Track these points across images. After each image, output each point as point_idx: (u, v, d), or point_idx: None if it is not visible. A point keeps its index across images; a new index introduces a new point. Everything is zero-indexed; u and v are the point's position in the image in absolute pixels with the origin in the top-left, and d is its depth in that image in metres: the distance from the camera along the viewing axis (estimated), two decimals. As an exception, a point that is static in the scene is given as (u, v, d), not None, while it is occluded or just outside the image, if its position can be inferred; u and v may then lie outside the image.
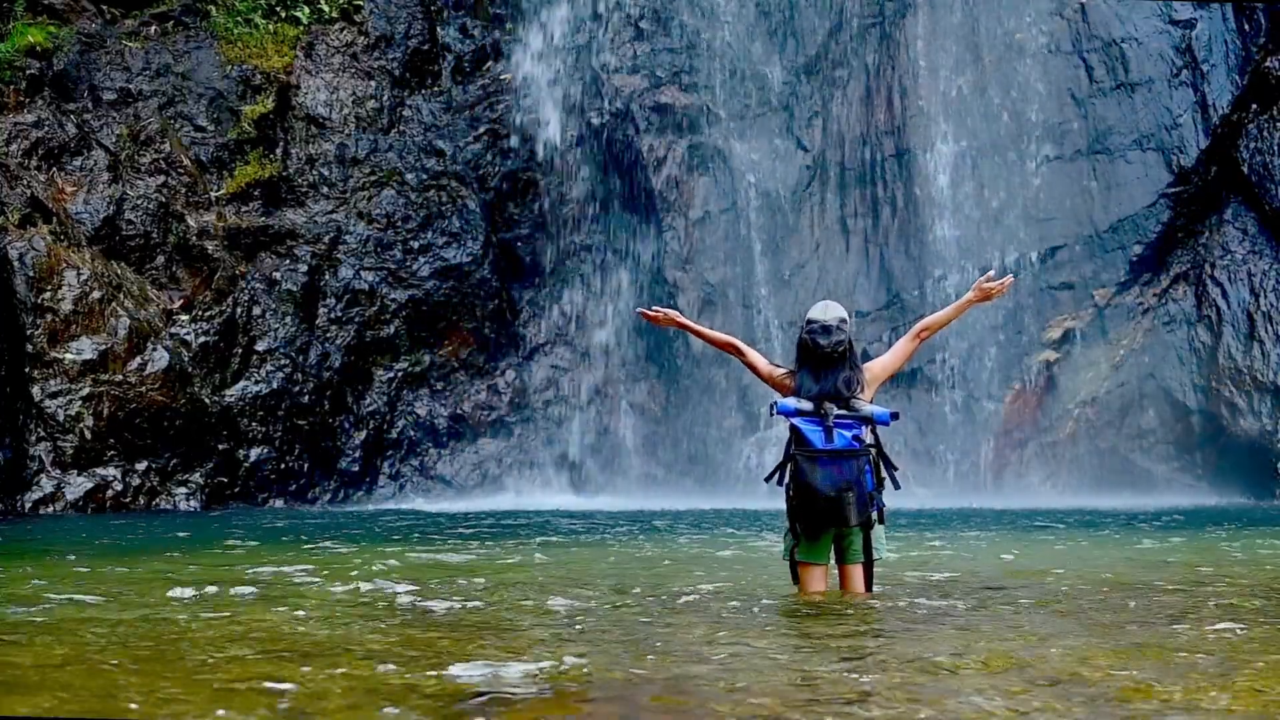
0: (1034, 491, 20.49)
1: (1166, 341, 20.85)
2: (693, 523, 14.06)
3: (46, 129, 19.14)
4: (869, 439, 5.95)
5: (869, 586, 6.17)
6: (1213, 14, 21.77)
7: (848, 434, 5.89)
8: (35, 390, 17.40)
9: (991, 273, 6.07)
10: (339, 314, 20.45)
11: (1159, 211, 21.39)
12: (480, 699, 3.87)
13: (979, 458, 21.29)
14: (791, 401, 6.04)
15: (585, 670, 4.35)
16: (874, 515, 6.02)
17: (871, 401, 6.20)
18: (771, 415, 6.07)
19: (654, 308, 6.83)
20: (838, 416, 5.92)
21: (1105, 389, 21.02)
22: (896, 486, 6.08)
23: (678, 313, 6.77)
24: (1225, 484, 19.86)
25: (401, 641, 5.06)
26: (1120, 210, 21.54)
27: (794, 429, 5.99)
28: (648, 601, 6.49)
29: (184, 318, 19.18)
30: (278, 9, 21.82)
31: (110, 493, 17.52)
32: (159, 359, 18.36)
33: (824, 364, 6.09)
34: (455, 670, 4.33)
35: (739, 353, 6.56)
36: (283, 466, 19.50)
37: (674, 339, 21.72)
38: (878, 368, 6.21)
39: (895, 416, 6.00)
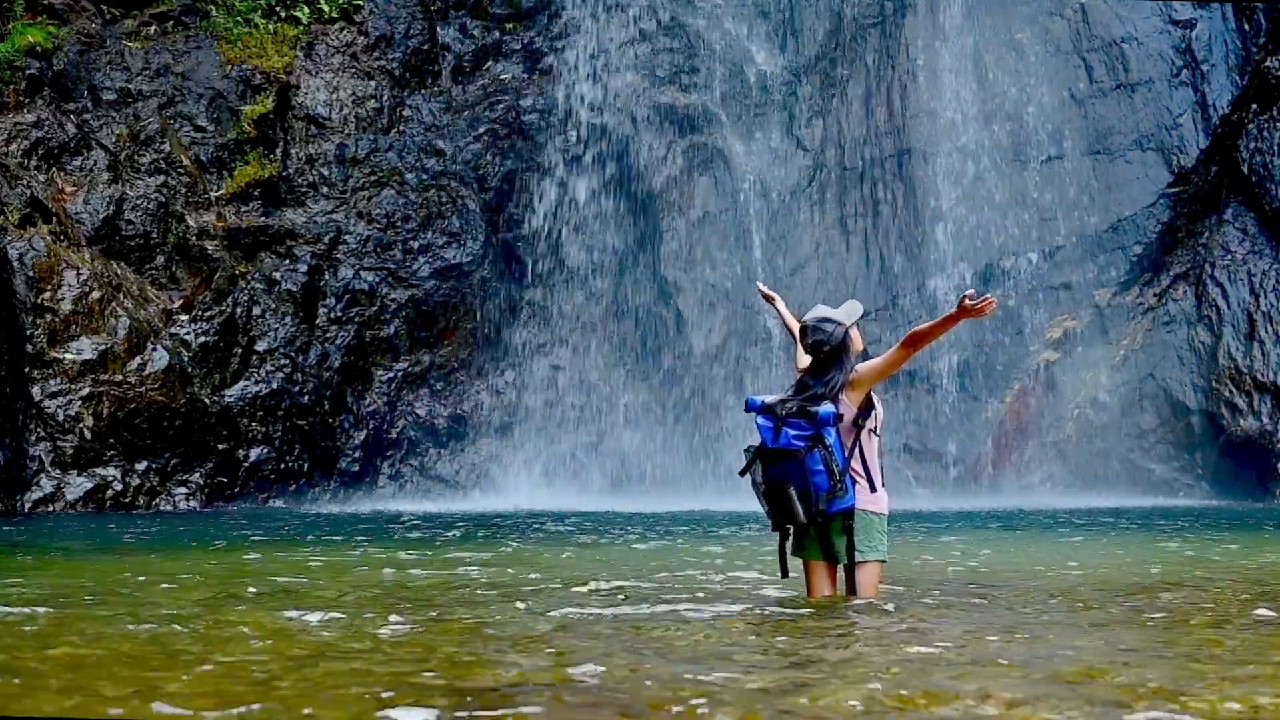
0: (1034, 491, 20.49)
1: (1166, 341, 20.85)
2: (692, 524, 14.05)
3: (46, 129, 19.13)
4: (829, 438, 5.93)
5: (852, 589, 6.14)
6: (1213, 14, 21.77)
7: (792, 432, 5.94)
8: (35, 390, 17.39)
9: (972, 291, 6.05)
10: (339, 314, 20.44)
11: (1159, 211, 21.40)
12: (480, 699, 3.87)
13: (979, 458, 21.29)
14: (759, 398, 6.21)
15: (580, 672, 4.35)
16: (836, 515, 5.99)
17: (866, 404, 6.18)
18: (745, 411, 6.21)
19: (763, 286, 7.43)
20: (788, 415, 5.97)
21: (1105, 389, 21.02)
22: (873, 490, 6.08)
23: (779, 298, 7.24)
24: (1225, 484, 19.86)
25: (404, 641, 5.06)
26: (1120, 210, 21.54)
27: (757, 426, 6.11)
28: (642, 603, 6.49)
29: (184, 318, 19.17)
30: (278, 9, 21.80)
31: (110, 493, 17.51)
32: (159, 359, 18.36)
33: (817, 363, 6.14)
34: (455, 670, 4.33)
35: (796, 344, 6.70)
36: (283, 466, 19.49)
37: (674, 339, 21.71)
38: (864, 370, 6.20)
39: (840, 418, 6.01)
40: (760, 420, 6.07)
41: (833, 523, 6.04)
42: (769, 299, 7.22)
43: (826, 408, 5.95)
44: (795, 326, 6.85)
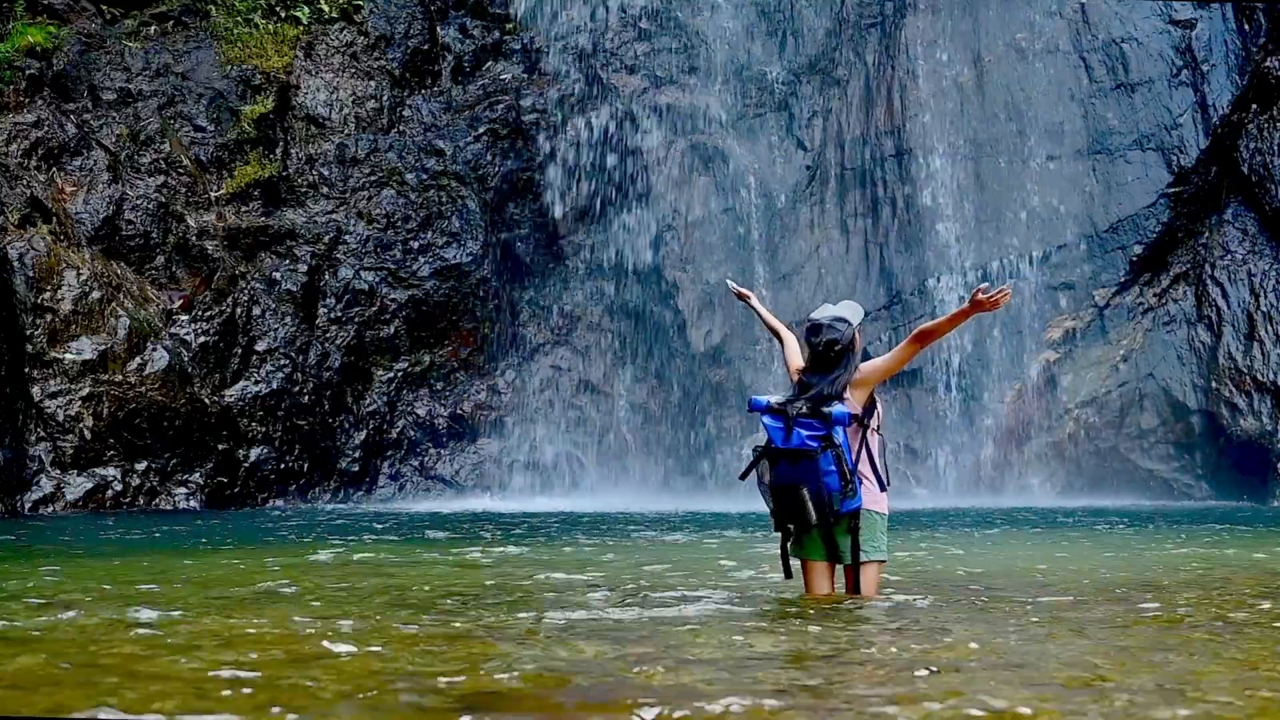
0: (1034, 492, 20.49)
1: (1166, 341, 20.85)
2: (691, 524, 14.05)
3: (46, 129, 19.12)
4: (839, 438, 5.92)
5: (855, 587, 6.14)
6: (1213, 14, 21.76)
7: (805, 433, 5.91)
8: (35, 390, 17.38)
9: (986, 285, 6.02)
10: (339, 314, 20.44)
11: (1159, 211, 21.38)
12: (483, 701, 3.87)
13: (979, 458, 21.28)
14: (764, 398, 6.17)
15: (582, 673, 4.35)
16: (845, 515, 5.98)
17: (869, 403, 6.18)
18: (748, 411, 6.18)
19: (733, 284, 7.37)
20: (800, 415, 5.94)
21: (1105, 389, 21.01)
22: (880, 489, 6.10)
23: (752, 294, 7.15)
24: (1225, 484, 19.86)
25: (405, 643, 5.06)
26: (1120, 210, 21.53)
27: (764, 426, 6.07)
28: (644, 604, 6.49)
29: (184, 318, 19.16)
30: (278, 9, 21.79)
31: (110, 493, 17.51)
32: (159, 359, 18.35)
33: (820, 363, 6.11)
34: (457, 672, 4.33)
35: (782, 342, 6.67)
36: (283, 466, 19.49)
37: (674, 338, 21.71)
38: (869, 369, 6.19)
39: (855, 418, 5.99)
40: (768, 420, 6.04)
41: (840, 523, 6.04)
42: (742, 297, 7.12)
43: (840, 408, 5.94)
44: (775, 323, 6.83)
